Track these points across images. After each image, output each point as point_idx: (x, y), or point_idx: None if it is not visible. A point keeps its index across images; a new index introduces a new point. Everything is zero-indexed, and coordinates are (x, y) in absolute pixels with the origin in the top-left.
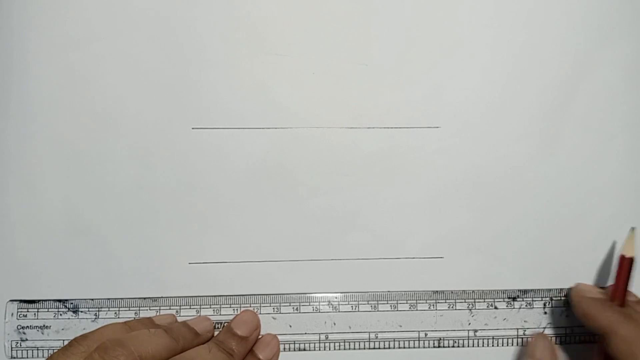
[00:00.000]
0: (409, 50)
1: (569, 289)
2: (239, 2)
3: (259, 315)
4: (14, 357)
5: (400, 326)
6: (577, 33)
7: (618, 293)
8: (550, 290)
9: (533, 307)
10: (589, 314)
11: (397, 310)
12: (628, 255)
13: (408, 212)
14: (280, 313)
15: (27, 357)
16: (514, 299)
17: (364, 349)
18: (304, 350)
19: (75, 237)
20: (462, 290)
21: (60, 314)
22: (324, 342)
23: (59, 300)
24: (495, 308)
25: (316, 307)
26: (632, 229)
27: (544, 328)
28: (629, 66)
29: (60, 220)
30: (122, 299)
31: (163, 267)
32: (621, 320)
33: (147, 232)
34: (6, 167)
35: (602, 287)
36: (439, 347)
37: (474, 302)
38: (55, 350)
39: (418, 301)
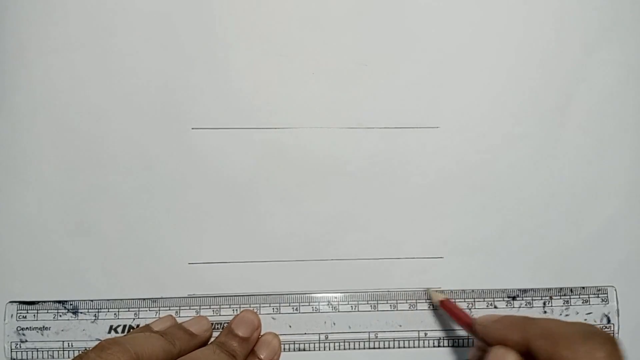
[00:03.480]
0: (409, 50)
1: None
2: (239, 2)
3: (259, 316)
4: (14, 359)
5: (400, 326)
6: (577, 33)
7: (468, 324)
8: (550, 289)
9: (533, 307)
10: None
11: (397, 310)
12: (441, 298)
13: (408, 212)
14: (280, 313)
15: (27, 359)
16: (514, 298)
17: (364, 348)
18: (304, 350)
19: (75, 238)
20: (462, 290)
21: (60, 315)
22: (324, 342)
23: (59, 302)
24: (495, 307)
25: (316, 307)
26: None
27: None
28: (629, 66)
29: (60, 220)
30: (121, 299)
31: (163, 267)
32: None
33: (147, 232)
34: (6, 167)
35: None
36: (438, 346)
37: (474, 301)
38: (54, 352)
39: (418, 301)
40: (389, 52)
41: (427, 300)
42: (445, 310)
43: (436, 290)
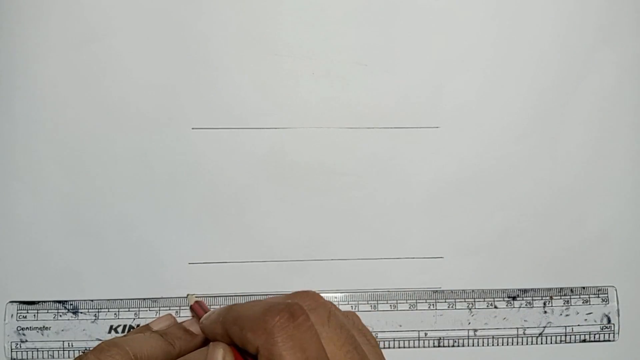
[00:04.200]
0: (409, 50)
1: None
2: (239, 2)
3: None
4: (14, 359)
5: (400, 326)
6: (577, 33)
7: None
8: (550, 289)
9: (533, 307)
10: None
11: (397, 310)
12: (192, 302)
13: (408, 212)
14: None
15: (27, 359)
16: (514, 298)
17: None
18: None
19: (75, 238)
20: (462, 290)
21: (60, 315)
22: None
23: (59, 302)
24: (495, 307)
25: None
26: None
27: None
28: (629, 66)
29: (60, 220)
30: (121, 299)
31: (163, 267)
32: None
33: (147, 232)
34: (6, 167)
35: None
36: (438, 346)
37: (474, 301)
38: (54, 352)
39: (418, 301)
40: (389, 52)
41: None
42: (193, 312)
43: (195, 295)
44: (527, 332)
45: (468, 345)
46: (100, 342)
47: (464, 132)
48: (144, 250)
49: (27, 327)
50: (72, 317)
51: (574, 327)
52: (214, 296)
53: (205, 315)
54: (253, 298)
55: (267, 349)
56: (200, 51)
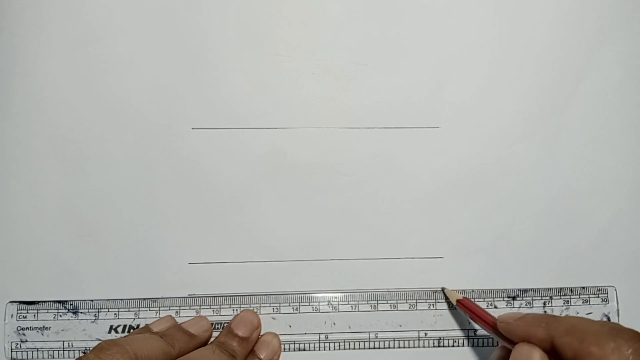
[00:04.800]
0: (409, 50)
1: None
2: (239, 2)
3: (259, 316)
4: (14, 359)
5: (400, 326)
6: (577, 33)
7: (488, 322)
8: (550, 289)
9: (533, 307)
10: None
11: (397, 310)
12: (459, 297)
13: (408, 212)
14: (280, 313)
15: (27, 359)
16: (514, 298)
17: (364, 348)
18: (304, 350)
19: (75, 238)
20: (462, 290)
21: (60, 315)
22: (324, 342)
23: (59, 302)
24: (495, 307)
25: (316, 307)
26: (442, 289)
27: None
28: (629, 66)
29: (60, 220)
30: (121, 299)
31: (163, 267)
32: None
33: (147, 232)
34: (6, 167)
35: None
36: (438, 346)
37: (474, 301)
38: (54, 352)
39: (418, 301)
40: (389, 52)
41: (446, 300)
42: (463, 309)
43: (453, 290)
44: None
45: (468, 345)
46: (100, 341)
47: (464, 132)
48: (144, 250)
49: (27, 327)
50: (72, 317)
51: None
52: (214, 296)
53: (510, 315)
54: (253, 298)
55: None
56: (200, 51)
